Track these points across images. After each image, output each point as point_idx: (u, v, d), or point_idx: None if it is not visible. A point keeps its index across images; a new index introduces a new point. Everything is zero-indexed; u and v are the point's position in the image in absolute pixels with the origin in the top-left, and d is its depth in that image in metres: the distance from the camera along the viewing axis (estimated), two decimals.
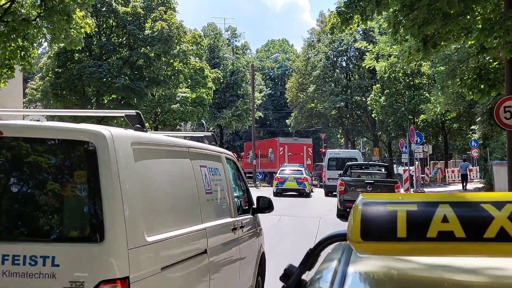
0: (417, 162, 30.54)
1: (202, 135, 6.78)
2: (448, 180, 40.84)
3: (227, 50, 63.43)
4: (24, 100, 34.11)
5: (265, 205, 7.31)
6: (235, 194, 6.59)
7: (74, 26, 16.30)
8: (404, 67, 39.81)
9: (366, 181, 20.88)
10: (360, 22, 13.89)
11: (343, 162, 33.54)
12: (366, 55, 43.15)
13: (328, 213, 22.24)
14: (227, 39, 68.53)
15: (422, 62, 31.22)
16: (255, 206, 7.31)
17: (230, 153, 7.10)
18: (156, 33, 28.22)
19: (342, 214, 21.26)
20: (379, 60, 40.77)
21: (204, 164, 5.60)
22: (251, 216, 7.13)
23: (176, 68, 30.75)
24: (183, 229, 4.58)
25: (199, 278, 4.86)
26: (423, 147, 35.45)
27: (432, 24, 11.85)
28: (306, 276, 1.95)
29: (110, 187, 3.60)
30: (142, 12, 28.93)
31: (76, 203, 3.70)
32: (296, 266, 1.91)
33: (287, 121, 67.68)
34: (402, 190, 24.98)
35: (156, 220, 4.12)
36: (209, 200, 5.55)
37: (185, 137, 6.06)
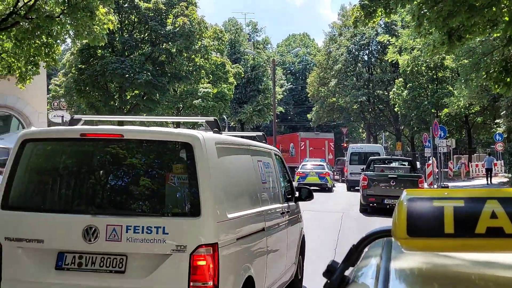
0: (433, 158, 30.22)
1: (255, 135, 7.88)
2: (472, 175, 40.41)
3: (248, 45, 63.38)
4: (48, 96, 34.49)
5: (306, 194, 8.50)
6: (281, 184, 7.89)
7: (97, 22, 16.41)
8: (427, 61, 39.46)
9: (389, 175, 20.72)
10: (384, 16, 13.77)
11: (366, 156, 33.36)
12: (388, 49, 42.80)
13: (351, 208, 22.15)
14: (248, 34, 68.49)
15: (445, 55, 30.92)
16: (297, 195, 8.45)
17: (277, 149, 8.64)
18: (177, 29, 28.28)
19: (365, 209, 21.16)
20: (402, 53, 40.39)
21: (260, 159, 6.99)
22: (294, 203, 8.27)
23: (198, 64, 30.81)
24: (249, 210, 5.92)
25: (260, 250, 6.16)
26: (446, 141, 35.10)
27: (457, 17, 11.68)
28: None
29: (204, 176, 4.90)
30: (163, 7, 29.01)
31: (179, 188, 5.10)
32: (339, 262, 1.90)
33: (308, 115, 67.49)
34: (425, 185, 24.77)
35: (232, 202, 5.45)
36: (265, 188, 6.90)
37: (241, 137, 7.24)
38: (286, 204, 7.74)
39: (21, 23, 15.55)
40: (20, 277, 5.04)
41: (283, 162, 8.45)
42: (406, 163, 23.75)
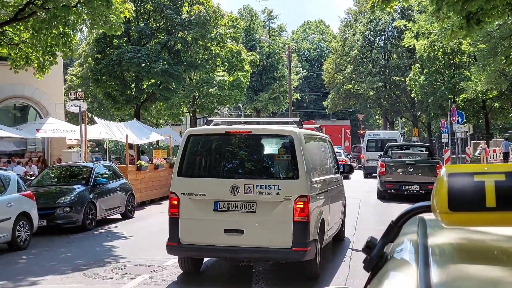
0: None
1: (292, 120, 10.27)
2: (489, 160, 40.03)
3: (263, 32, 63.10)
4: (64, 86, 34.66)
5: (348, 169, 12.54)
6: (333, 161, 11.53)
7: (114, 11, 16.39)
8: (444, 46, 39.03)
9: (407, 161, 20.63)
10: (401, 0, 13.63)
11: (383, 143, 33.21)
12: (405, 34, 42.37)
13: (368, 195, 22.11)
14: (263, 21, 68.14)
15: (462, 40, 30.56)
16: (341, 169, 12.13)
17: (328, 136, 12.03)
18: (193, 17, 28.20)
19: (383, 196, 21.12)
20: (419, 38, 39.97)
21: (322, 144, 10.73)
22: (339, 175, 11.88)
23: (213, 52, 30.75)
24: (321, 177, 9.56)
25: (326, 203, 9.59)
26: (463, 127, 34.76)
27: (476, 0, 11.53)
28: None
29: (299, 155, 8.42)
30: None
31: (286, 162, 8.78)
32: (377, 238, 1.91)
33: (324, 102, 67.20)
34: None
35: (313, 172, 8.97)
36: (326, 164, 10.61)
37: (276, 122, 10.70)
38: (337, 176, 11.49)
39: (38, 13, 15.57)
40: (191, 216, 8.52)
41: (332, 146, 12.04)
42: (424, 149, 23.61)
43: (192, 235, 8.48)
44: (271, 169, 9.01)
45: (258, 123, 13.53)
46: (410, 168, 20.38)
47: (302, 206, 8.22)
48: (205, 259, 9.87)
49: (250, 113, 64.60)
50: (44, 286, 9.01)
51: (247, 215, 8.28)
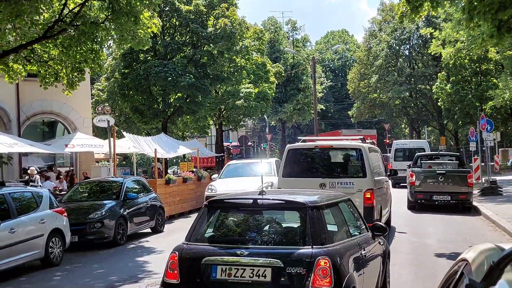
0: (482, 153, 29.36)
1: (358, 137, 14.49)
2: None
3: (287, 43, 63.11)
4: (92, 101, 34.99)
5: (393, 173, 17.46)
6: (384, 167, 15.28)
7: (141, 26, 16.48)
8: (471, 54, 38.56)
9: (437, 171, 20.35)
10: (430, 9, 13.48)
11: (410, 152, 32.90)
12: (432, 42, 42.01)
13: (398, 206, 21.79)
14: (287, 32, 68.16)
15: (489, 47, 30.14)
16: (389, 173, 16.29)
17: (379, 149, 16.56)
18: (219, 31, 28.29)
19: (413, 206, 20.83)
20: (445, 46, 39.57)
21: (376, 154, 14.44)
22: (387, 178, 15.58)
23: (239, 64, 30.78)
24: (378, 177, 13.28)
25: (382, 195, 13.56)
26: (492, 135, 34.19)
27: (509, 9, 11.34)
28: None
29: (367, 162, 12.35)
30: (204, 10, 29.05)
31: (356, 167, 12.66)
32: (474, 279, 1.79)
33: (349, 112, 66.88)
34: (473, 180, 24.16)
35: (374, 173, 12.72)
36: (379, 168, 14.10)
37: (346, 139, 15.73)
38: (386, 177, 15.19)
39: (67, 31, 15.73)
40: None
41: (381, 155, 15.97)
42: (454, 158, 23.28)
43: None
44: (347, 171, 12.87)
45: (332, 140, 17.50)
46: (441, 178, 20.10)
47: (369, 196, 12.03)
48: None
49: (275, 124, 64.55)
50: None
51: None
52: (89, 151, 24.69)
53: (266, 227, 6.42)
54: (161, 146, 22.44)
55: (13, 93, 24.32)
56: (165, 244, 14.75)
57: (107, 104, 33.57)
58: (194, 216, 22.37)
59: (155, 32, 18.42)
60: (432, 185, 20.19)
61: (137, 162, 42.68)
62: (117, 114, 40.10)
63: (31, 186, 17.58)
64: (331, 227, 6.41)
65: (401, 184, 28.66)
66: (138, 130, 37.03)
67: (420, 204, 20.67)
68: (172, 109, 29.15)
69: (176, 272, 6.03)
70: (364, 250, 6.87)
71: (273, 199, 6.53)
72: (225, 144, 45.20)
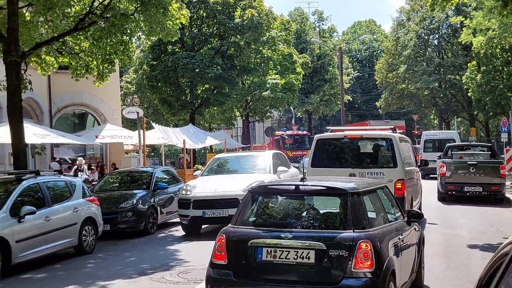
0: None
1: (388, 127, 14.57)
2: None
3: (313, 34, 62.76)
4: (120, 93, 35.33)
5: (424, 163, 16.15)
6: (414, 157, 14.68)
7: (170, 18, 16.55)
8: (502, 42, 37.87)
9: (469, 162, 20.07)
10: None
11: (440, 143, 32.54)
12: (462, 31, 41.36)
13: (428, 197, 21.53)
14: (313, 22, 67.74)
15: None
16: (419, 164, 15.49)
17: (409, 139, 15.40)
18: (246, 21, 28.25)
19: (444, 197, 20.60)
20: (477, 35, 38.90)
21: (407, 144, 13.96)
22: (418, 169, 15.02)
23: (265, 55, 30.71)
24: (409, 167, 12.96)
25: (413, 186, 13.32)
26: None
27: None
28: None
29: (398, 152, 12.15)
30: (231, 1, 29.03)
31: (387, 158, 12.45)
32: None
33: (376, 103, 66.30)
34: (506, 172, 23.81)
35: (405, 163, 12.49)
36: (410, 158, 13.70)
37: (375, 129, 16.05)
38: (417, 168, 14.72)
39: (98, 23, 15.90)
40: None
41: (412, 145, 15.11)
42: (486, 149, 22.92)
43: None
44: (377, 161, 12.65)
45: (359, 129, 17.95)
46: (472, 169, 19.82)
47: (400, 186, 11.87)
48: None
49: (302, 115, 64.30)
50: None
51: None
52: (118, 142, 24.98)
53: (308, 212, 6.65)
54: (189, 137, 22.57)
55: (45, 85, 24.71)
56: (194, 233, 14.87)
57: (136, 96, 33.93)
58: None
59: (183, 23, 18.48)
60: (463, 176, 19.93)
61: (165, 153, 43.02)
62: (145, 106, 40.47)
63: (79, 176, 17.99)
64: (370, 213, 6.57)
65: (431, 176, 28.36)
66: (166, 121, 37.28)
67: (451, 195, 20.43)
68: (199, 101, 29.25)
69: (223, 253, 6.31)
70: (402, 235, 7.04)
71: (314, 186, 6.79)
72: (278, 132, 43.70)
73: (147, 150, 36.13)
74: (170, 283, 9.31)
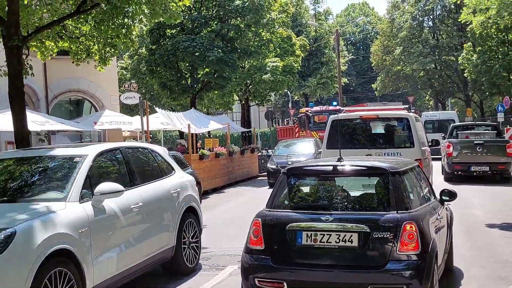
0: None
1: (403, 107, 15.28)
2: None
3: (309, 17, 62.28)
4: None
5: (434, 143, 15.15)
6: (425, 136, 14.10)
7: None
8: (498, 22, 37.63)
9: (475, 142, 19.98)
10: None
11: (440, 124, 32.54)
12: (457, 11, 41.12)
13: (434, 177, 21.31)
14: (308, 6, 67.20)
15: None
16: (430, 143, 14.80)
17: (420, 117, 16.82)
18: (247, 3, 27.83)
19: (450, 178, 20.53)
20: (476, 14, 38.66)
21: (420, 124, 13.60)
22: (429, 148, 14.19)
23: (265, 38, 30.34)
24: (423, 147, 12.50)
25: (428, 166, 12.96)
26: None
27: None
28: None
29: (414, 131, 12.10)
30: None
31: (403, 137, 12.33)
32: None
33: (373, 85, 66.15)
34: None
35: (422, 143, 12.43)
36: (423, 137, 13.21)
37: (389, 109, 16.20)
38: (429, 148, 13.97)
39: (100, 5, 15.50)
40: None
41: (422, 124, 15.08)
42: (491, 128, 22.84)
43: None
44: (393, 141, 12.37)
45: (371, 109, 17.78)
46: (479, 148, 19.76)
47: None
48: None
49: (299, 99, 64.00)
50: None
51: None
52: (117, 129, 24.60)
53: (346, 193, 6.33)
54: (192, 122, 22.24)
55: (41, 71, 24.21)
56: (204, 218, 14.58)
57: (134, 81, 33.46)
58: (227, 191, 22.31)
59: (187, 5, 18.10)
60: (470, 155, 19.86)
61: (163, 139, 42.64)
62: (143, 91, 39.99)
63: None
64: (410, 193, 6.27)
65: (432, 156, 28.28)
66: (164, 107, 36.84)
67: (457, 175, 20.35)
68: (200, 85, 28.87)
69: (260, 238, 6.03)
70: (439, 215, 6.83)
71: (353, 166, 6.49)
72: (302, 109, 40.78)
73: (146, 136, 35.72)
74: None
